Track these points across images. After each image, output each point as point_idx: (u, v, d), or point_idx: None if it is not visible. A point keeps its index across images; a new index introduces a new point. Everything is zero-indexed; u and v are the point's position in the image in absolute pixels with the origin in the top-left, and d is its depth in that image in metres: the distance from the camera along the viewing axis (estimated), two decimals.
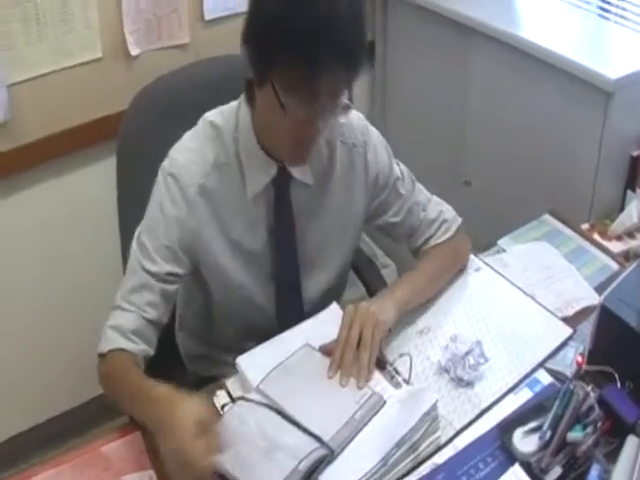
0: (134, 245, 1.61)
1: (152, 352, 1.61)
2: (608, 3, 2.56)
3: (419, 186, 1.83)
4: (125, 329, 1.56)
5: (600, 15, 2.59)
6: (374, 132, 1.77)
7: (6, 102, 2.29)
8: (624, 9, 2.51)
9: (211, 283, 1.70)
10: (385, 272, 2.20)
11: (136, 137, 1.90)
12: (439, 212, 1.83)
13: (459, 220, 1.85)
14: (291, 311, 1.78)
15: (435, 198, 1.85)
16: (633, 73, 2.22)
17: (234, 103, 1.63)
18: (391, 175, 1.77)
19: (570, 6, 2.66)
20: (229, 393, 1.56)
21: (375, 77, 3.19)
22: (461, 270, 1.84)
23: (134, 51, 2.48)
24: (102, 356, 1.57)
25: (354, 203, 1.74)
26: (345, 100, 1.45)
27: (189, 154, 1.59)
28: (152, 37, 2.50)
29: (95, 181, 2.55)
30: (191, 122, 1.65)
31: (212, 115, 1.63)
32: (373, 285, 2.04)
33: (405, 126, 3.09)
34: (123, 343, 1.55)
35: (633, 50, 2.37)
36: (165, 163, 1.60)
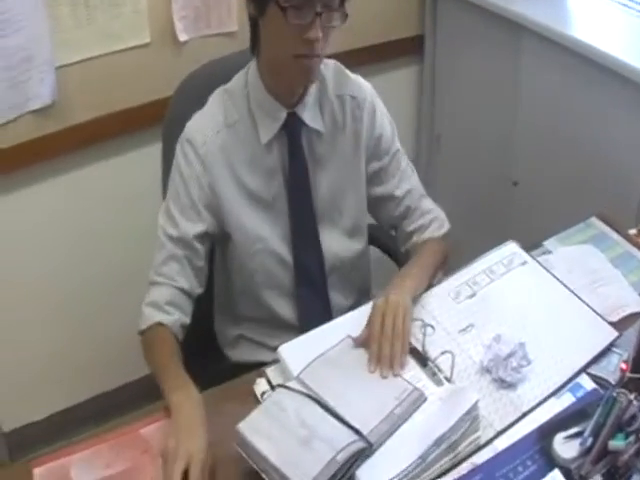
0: (160, 217, 1.74)
1: (188, 320, 1.73)
2: None
3: (417, 177, 1.94)
4: (159, 302, 1.68)
5: None
6: (381, 103, 1.86)
7: (54, 84, 2.33)
8: None
9: (234, 238, 1.76)
10: None
11: (182, 122, 1.89)
12: (433, 208, 1.93)
13: (449, 225, 1.93)
14: (311, 264, 1.84)
15: (429, 199, 1.95)
16: None
17: (243, 70, 1.76)
18: (393, 144, 1.87)
19: (622, 7, 2.61)
20: (269, 381, 1.57)
21: (424, 72, 3.17)
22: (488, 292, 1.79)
23: (182, 37, 2.50)
24: (142, 334, 1.69)
25: (360, 157, 1.83)
26: (343, 7, 1.58)
27: (200, 118, 1.72)
28: (200, 24, 2.53)
29: (141, 165, 2.58)
30: None
31: (225, 84, 1.77)
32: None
33: (454, 122, 3.08)
34: (158, 317, 1.67)
35: None
36: (180, 135, 1.72)
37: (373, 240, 2.07)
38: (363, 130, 1.81)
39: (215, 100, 1.75)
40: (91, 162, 2.56)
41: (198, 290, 1.76)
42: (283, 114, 1.71)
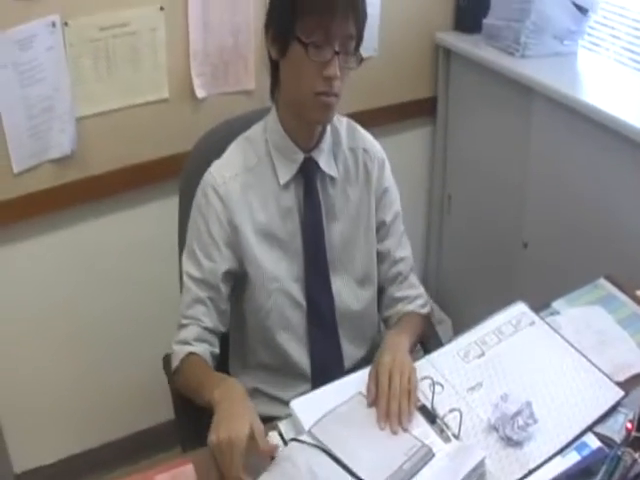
0: (184, 262, 1.82)
1: (217, 351, 1.82)
2: None
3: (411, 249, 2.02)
4: (188, 339, 1.77)
5: None
6: (388, 165, 1.95)
7: (74, 134, 2.38)
8: None
9: (250, 276, 1.82)
10: (440, 328, 2.21)
11: (199, 177, 1.93)
12: (419, 285, 2.02)
13: (429, 307, 2.03)
14: (323, 307, 1.89)
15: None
16: None
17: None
18: (396, 204, 1.97)
19: (633, 70, 2.66)
20: (281, 434, 1.58)
21: (436, 132, 3.22)
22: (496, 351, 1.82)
23: (200, 94, 2.56)
24: (175, 372, 1.79)
25: (370, 208, 1.91)
26: (358, 51, 1.69)
27: (219, 163, 1.81)
28: (218, 81, 2.59)
29: (156, 217, 2.65)
30: None
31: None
32: (429, 340, 2.04)
33: (465, 181, 3.12)
34: (188, 349, 1.76)
35: None
36: (201, 181, 1.81)
37: None
38: (373, 180, 1.90)
39: (234, 147, 1.83)
40: (107, 212, 2.61)
41: (222, 328, 1.85)
42: (300, 157, 1.79)
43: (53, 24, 2.22)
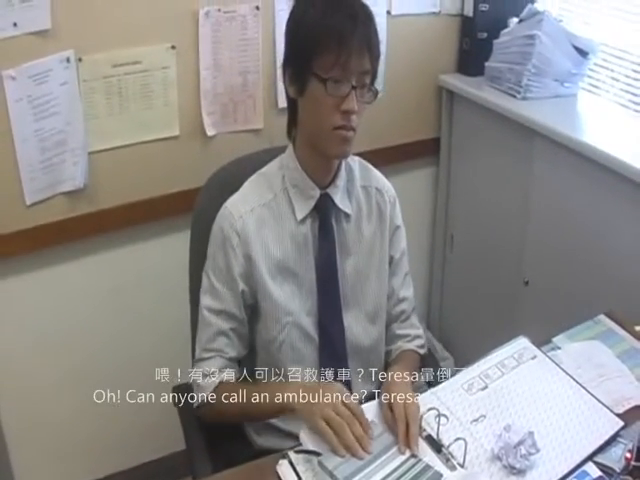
0: (203, 297, 1.86)
1: (242, 374, 1.88)
2: None
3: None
4: (212, 370, 1.82)
5: None
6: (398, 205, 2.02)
7: (86, 168, 2.43)
8: None
9: (263, 310, 1.86)
10: (443, 364, 2.26)
11: (211, 213, 1.97)
12: (419, 327, 2.08)
13: (426, 349, 2.08)
14: (335, 342, 1.92)
15: None
16: None
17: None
18: (404, 243, 2.03)
19: (631, 111, 2.72)
20: (291, 463, 1.59)
21: (439, 172, 3.27)
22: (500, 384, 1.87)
23: (210, 132, 2.61)
24: (201, 406, 1.83)
25: (384, 245, 1.97)
26: (373, 86, 1.76)
27: (235, 198, 1.86)
28: (228, 120, 2.64)
29: (165, 252, 2.69)
30: None
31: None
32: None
33: (467, 221, 3.17)
34: (217, 378, 1.81)
35: None
36: (217, 216, 1.85)
37: None
38: (387, 218, 1.96)
39: (250, 183, 1.89)
40: (117, 246, 2.64)
41: (244, 352, 1.90)
42: (317, 193, 1.84)
43: (68, 60, 2.28)
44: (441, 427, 1.66)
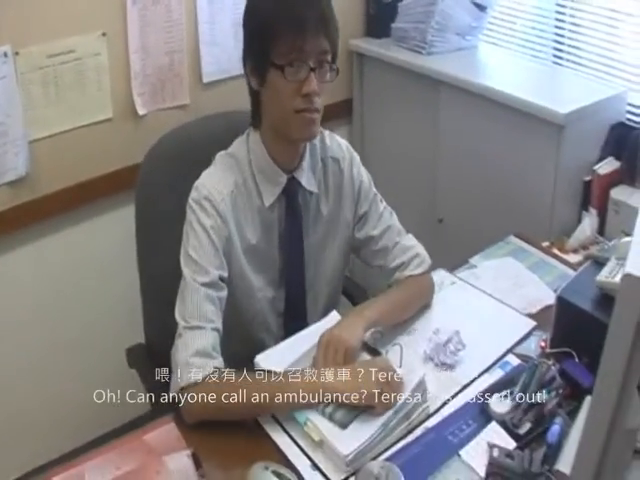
0: (184, 269, 1.77)
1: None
2: (561, 51, 2.85)
3: (396, 217, 2.07)
4: (208, 350, 1.69)
5: (555, 62, 2.89)
6: (357, 156, 2.05)
7: (27, 157, 2.50)
8: (577, 55, 2.80)
9: (235, 285, 1.87)
10: None
11: (153, 185, 2.11)
12: (413, 245, 2.04)
13: (430, 261, 2.05)
14: (298, 302, 2.02)
15: (411, 235, 2.07)
16: (581, 108, 2.50)
17: (241, 137, 1.92)
18: (370, 191, 2.04)
19: (528, 57, 2.97)
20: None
21: (353, 131, 3.44)
22: (426, 304, 2.04)
23: (141, 111, 2.73)
24: (193, 385, 1.66)
25: (342, 211, 2.01)
26: (334, 64, 1.77)
27: (213, 178, 1.84)
28: (157, 98, 2.76)
29: (108, 228, 2.79)
30: (198, 168, 1.88)
31: (226, 150, 1.91)
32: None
33: (383, 174, 3.17)
34: (214, 363, 1.68)
35: (583, 89, 2.67)
36: (193, 193, 1.82)
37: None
38: (345, 186, 2.00)
39: (223, 163, 1.88)
40: (61, 229, 2.72)
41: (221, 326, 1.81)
42: (284, 179, 1.87)
43: (5, 54, 2.33)
44: (377, 341, 1.86)
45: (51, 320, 2.80)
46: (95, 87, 2.60)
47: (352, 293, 2.36)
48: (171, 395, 1.70)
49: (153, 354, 2.16)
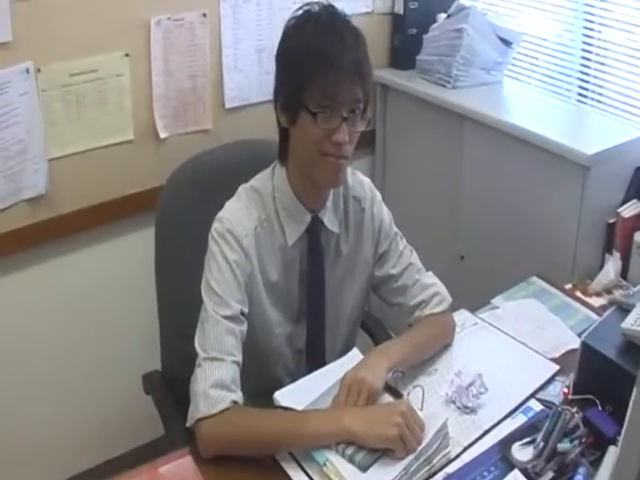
0: (205, 300, 1.75)
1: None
2: (586, 90, 2.83)
3: (416, 255, 2.04)
4: (227, 382, 1.66)
5: (579, 100, 2.87)
6: (379, 194, 2.02)
7: (47, 175, 2.49)
8: (600, 94, 2.77)
9: (253, 323, 1.83)
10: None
11: (174, 209, 2.11)
12: (433, 283, 2.01)
13: (450, 299, 2.02)
14: (319, 350, 2.00)
15: (431, 273, 2.04)
16: (607, 149, 2.46)
17: (266, 171, 1.89)
18: (391, 229, 2.01)
19: (552, 94, 2.95)
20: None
21: (375, 163, 3.41)
22: (447, 344, 2.01)
23: (163, 134, 2.72)
24: (208, 418, 1.63)
25: (362, 250, 1.98)
26: (366, 114, 1.74)
27: (238, 213, 1.81)
28: (179, 122, 2.75)
29: (125, 251, 2.77)
30: (219, 195, 1.86)
31: (250, 183, 1.88)
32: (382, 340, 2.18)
33: (404, 207, 3.16)
34: (232, 397, 1.65)
35: (607, 129, 2.64)
36: (216, 225, 1.79)
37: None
38: (364, 226, 1.97)
39: (248, 197, 1.84)
40: (78, 249, 2.69)
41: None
42: (308, 218, 1.85)
43: (27, 70, 2.34)
44: (398, 381, 1.83)
45: (65, 339, 2.78)
46: (117, 108, 2.60)
47: (370, 326, 2.34)
48: (187, 425, 1.68)
49: (169, 382, 2.15)
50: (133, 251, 2.70)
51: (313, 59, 1.66)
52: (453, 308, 2.05)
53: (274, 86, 1.79)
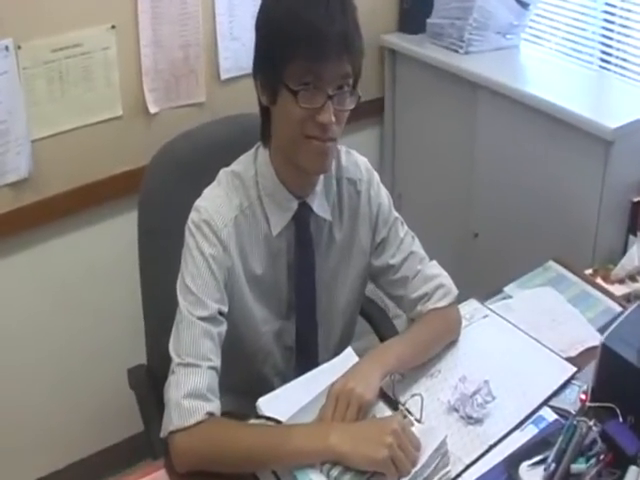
0: (180, 300, 1.62)
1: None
2: (609, 55, 2.67)
3: (418, 242, 1.90)
4: (202, 391, 1.53)
5: (601, 66, 2.71)
6: (376, 175, 1.86)
7: (30, 157, 2.38)
8: (624, 60, 2.62)
9: (235, 319, 1.70)
10: (397, 322, 2.28)
11: (158, 191, 1.98)
12: (437, 274, 1.86)
13: (456, 291, 1.87)
14: (310, 346, 1.86)
15: (435, 262, 1.90)
16: (632, 122, 2.32)
17: (249, 153, 1.74)
18: (391, 214, 1.86)
19: (572, 59, 2.78)
20: None
21: (384, 131, 3.30)
22: (454, 341, 1.85)
23: (153, 109, 2.60)
24: (182, 430, 1.51)
25: (358, 237, 1.83)
26: (355, 90, 1.57)
27: (216, 200, 1.66)
28: (170, 95, 2.62)
29: (115, 234, 2.66)
30: (209, 177, 1.73)
31: (231, 167, 1.73)
32: (386, 334, 2.08)
33: (414, 179, 3.19)
34: (208, 407, 1.52)
35: (632, 100, 2.49)
36: (193, 215, 1.65)
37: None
38: (360, 210, 1.82)
39: (228, 183, 1.70)
40: (66, 232, 2.60)
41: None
42: (294, 205, 1.70)
43: (6, 48, 2.22)
44: (397, 385, 1.67)
45: (51, 326, 2.70)
46: (103, 83, 2.48)
47: (371, 314, 2.22)
48: (161, 436, 1.55)
49: (153, 377, 2.03)
50: (124, 234, 2.51)
51: (294, 29, 1.49)
52: (463, 295, 1.90)
53: (253, 59, 1.63)
